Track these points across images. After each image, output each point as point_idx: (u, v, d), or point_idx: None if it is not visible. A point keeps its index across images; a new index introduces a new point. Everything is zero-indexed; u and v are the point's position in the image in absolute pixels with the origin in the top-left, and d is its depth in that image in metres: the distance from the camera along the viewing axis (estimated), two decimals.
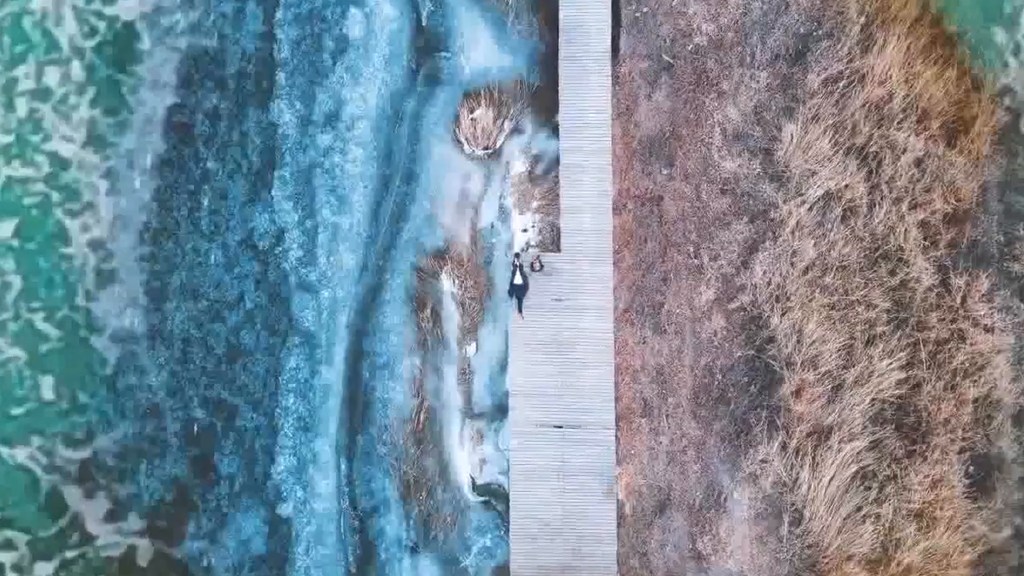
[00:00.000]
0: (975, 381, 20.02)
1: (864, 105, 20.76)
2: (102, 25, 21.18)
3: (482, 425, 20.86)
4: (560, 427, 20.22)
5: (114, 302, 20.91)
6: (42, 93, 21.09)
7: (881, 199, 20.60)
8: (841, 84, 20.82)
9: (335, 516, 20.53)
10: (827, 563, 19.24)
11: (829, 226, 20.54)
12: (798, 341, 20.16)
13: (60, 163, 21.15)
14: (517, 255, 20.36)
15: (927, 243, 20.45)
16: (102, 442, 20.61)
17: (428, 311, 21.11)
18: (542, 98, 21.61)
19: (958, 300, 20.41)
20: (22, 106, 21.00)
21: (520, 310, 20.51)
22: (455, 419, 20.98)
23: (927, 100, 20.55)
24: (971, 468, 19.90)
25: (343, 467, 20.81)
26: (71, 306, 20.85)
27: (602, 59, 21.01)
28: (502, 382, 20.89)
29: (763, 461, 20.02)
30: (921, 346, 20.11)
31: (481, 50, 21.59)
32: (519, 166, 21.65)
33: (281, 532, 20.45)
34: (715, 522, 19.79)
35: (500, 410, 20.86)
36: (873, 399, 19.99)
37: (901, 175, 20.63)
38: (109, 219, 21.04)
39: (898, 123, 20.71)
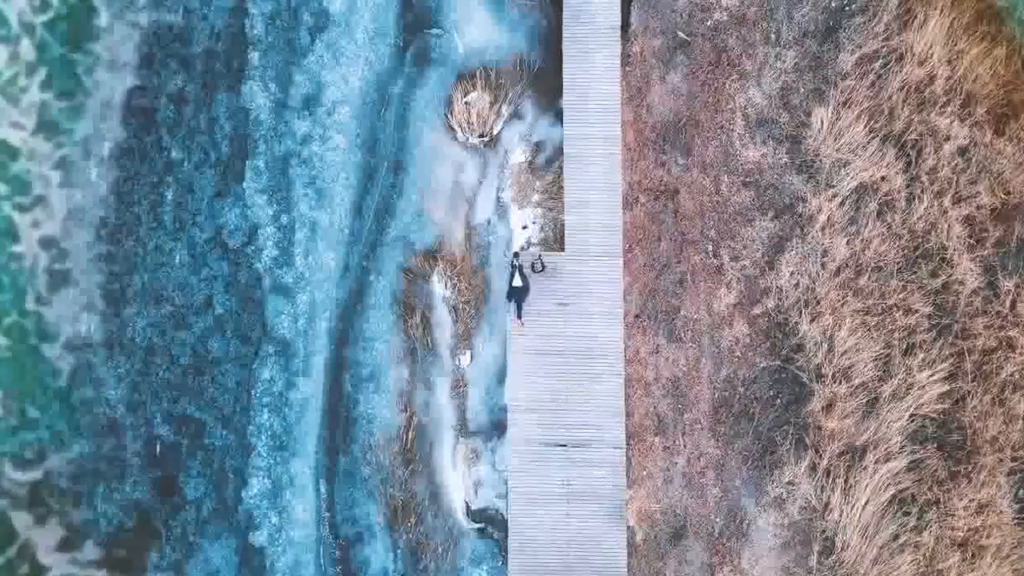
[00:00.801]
0: None
1: (902, 87, 20.59)
2: None
3: (477, 444, 20.69)
4: (564, 446, 19.93)
5: (68, 306, 20.80)
6: None
7: (921, 192, 20.37)
8: (877, 64, 20.72)
9: (314, 545, 20.33)
10: None
11: (863, 222, 20.35)
12: (829, 350, 19.98)
13: (8, 152, 21.03)
14: (516, 254, 20.03)
15: (972, 241, 20.23)
16: (54, 462, 20.45)
17: (417, 317, 20.92)
18: (544, 80, 21.56)
19: (1007, 305, 20.12)
20: None
21: (520, 316, 20.22)
22: (447, 437, 20.80)
23: (972, 82, 20.38)
24: (1021, 491, 19.65)
25: (323, 490, 20.56)
26: (20, 311, 20.75)
27: (611, 36, 20.95)
28: (500, 396, 20.70)
29: (790, 484, 19.85)
30: (966, 356, 19.90)
31: (476, 26, 21.61)
32: (518, 156, 21.57)
33: (254, 563, 20.28)
34: (737, 552, 19.61)
35: (497, 427, 20.67)
36: (912, 415, 19.78)
37: (943, 165, 20.41)
38: (62, 214, 20.93)
39: (940, 107, 20.55)
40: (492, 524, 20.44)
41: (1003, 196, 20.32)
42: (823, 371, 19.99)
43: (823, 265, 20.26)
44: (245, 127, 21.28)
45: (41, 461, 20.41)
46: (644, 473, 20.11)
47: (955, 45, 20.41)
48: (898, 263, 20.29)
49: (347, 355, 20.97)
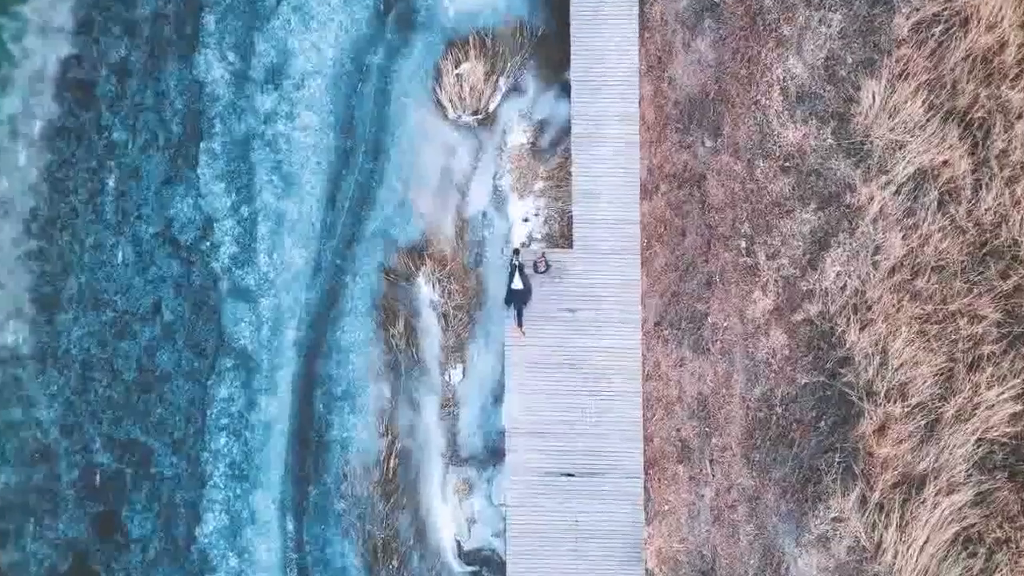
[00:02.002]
0: None
1: (967, 57, 20.53)
2: None
3: (471, 473, 20.78)
4: (572, 475, 20.05)
5: None
6: None
7: (989, 179, 20.34)
8: (937, 30, 20.73)
9: None
10: None
11: (922, 214, 20.32)
12: (882, 364, 19.99)
13: None
14: (516, 252, 20.05)
15: None
16: None
17: (400, 325, 20.95)
18: (549, 48, 21.63)
19: None
20: None
21: (520, 323, 20.18)
22: (436, 465, 20.90)
23: None
24: None
25: (290, 528, 20.73)
26: None
27: None
28: (497, 417, 20.79)
29: (836, 520, 19.83)
30: None
31: None
32: (519, 136, 21.54)
33: None
34: None
35: (494, 454, 20.75)
36: (979, 439, 19.82)
37: (1016, 148, 20.34)
38: None
39: (1012, 80, 20.48)
40: (488, 567, 20.66)
41: None
42: (875, 388, 19.97)
43: (875, 264, 20.25)
44: (199, 103, 21.44)
45: None
46: (665, 507, 20.19)
47: None
48: (962, 262, 20.31)
49: (318, 370, 21.08)
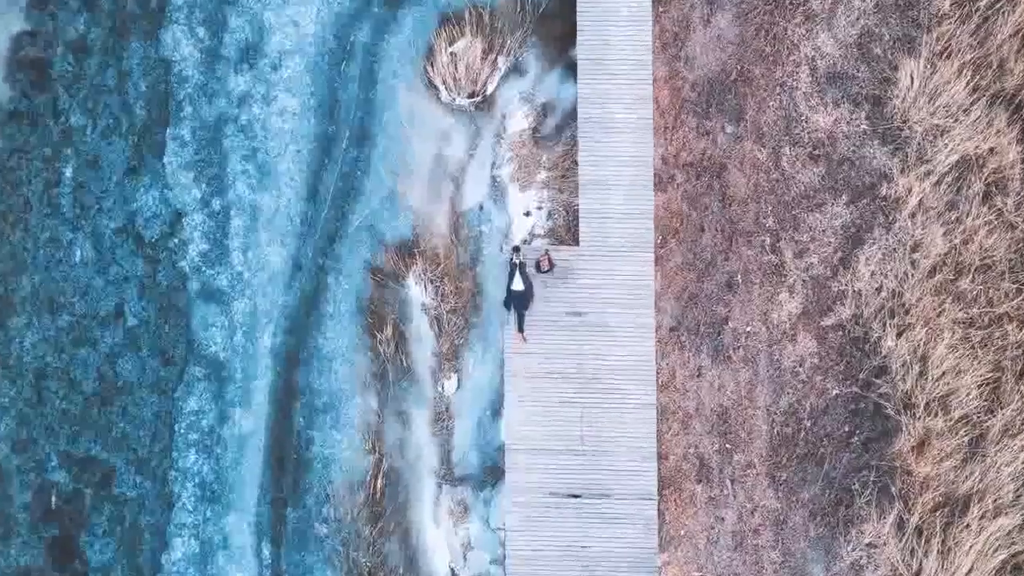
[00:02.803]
0: None
1: (1016, 33, 20.43)
2: None
3: (466, 494, 20.79)
4: (579, 496, 20.06)
5: None
6: None
7: None
8: (983, 3, 20.61)
9: None
10: None
11: (966, 207, 20.29)
12: (921, 373, 19.88)
13: None
14: (516, 249, 20.03)
15: None
16: None
17: (388, 330, 20.93)
18: (552, 23, 21.74)
19: None
20: None
21: (521, 328, 20.22)
22: (427, 486, 20.93)
23: None
24: None
25: (266, 554, 20.73)
26: None
27: None
28: (496, 432, 20.92)
29: (871, 545, 19.73)
30: None
31: None
32: (519, 121, 21.54)
33: None
34: None
35: (492, 473, 20.87)
36: None
37: None
38: None
39: None
40: None
41: None
42: (914, 400, 19.92)
43: (913, 263, 20.22)
44: (166, 84, 21.53)
45: None
46: (682, 532, 20.22)
47: None
48: (1010, 260, 20.35)
49: (298, 380, 21.19)
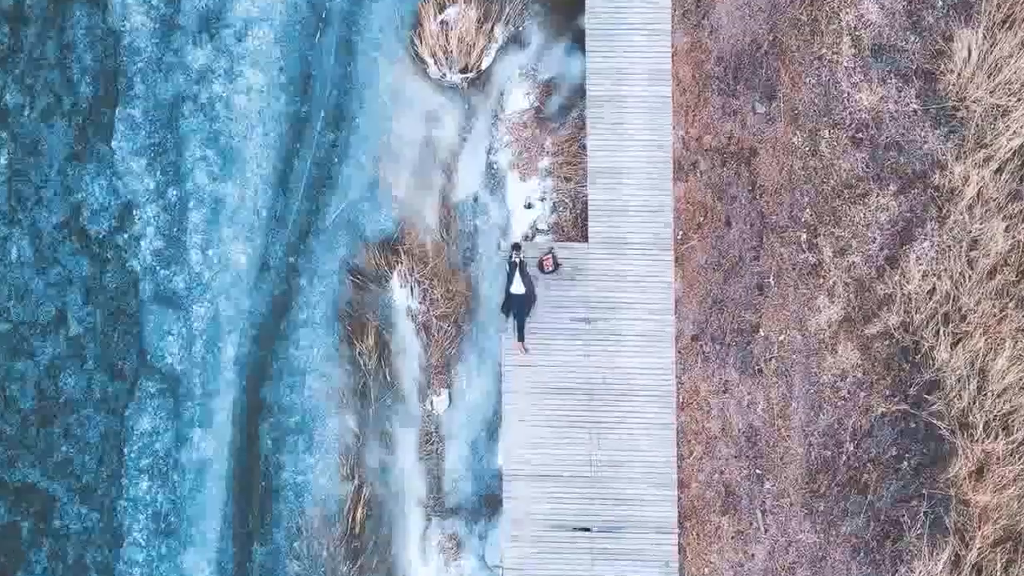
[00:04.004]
0: None
1: None
2: None
3: (458, 528, 20.66)
4: (588, 530, 19.90)
5: None
6: None
7: None
8: None
9: None
10: None
11: None
12: (979, 389, 19.75)
13: None
14: (516, 247, 19.96)
15: None
16: None
17: (370, 339, 20.87)
18: None
19: None
20: None
21: (521, 337, 20.07)
22: (414, 517, 20.79)
23: None
24: None
25: None
26: None
27: None
28: (492, 456, 20.85)
29: None
30: None
31: None
32: (520, 100, 21.48)
33: None
34: None
35: (488, 503, 20.78)
36: None
37: None
38: None
39: None
40: None
41: None
42: (971, 419, 19.77)
43: (970, 262, 20.13)
44: (115, 58, 21.45)
45: None
46: (706, 570, 20.19)
47: None
48: None
49: (266, 396, 21.16)
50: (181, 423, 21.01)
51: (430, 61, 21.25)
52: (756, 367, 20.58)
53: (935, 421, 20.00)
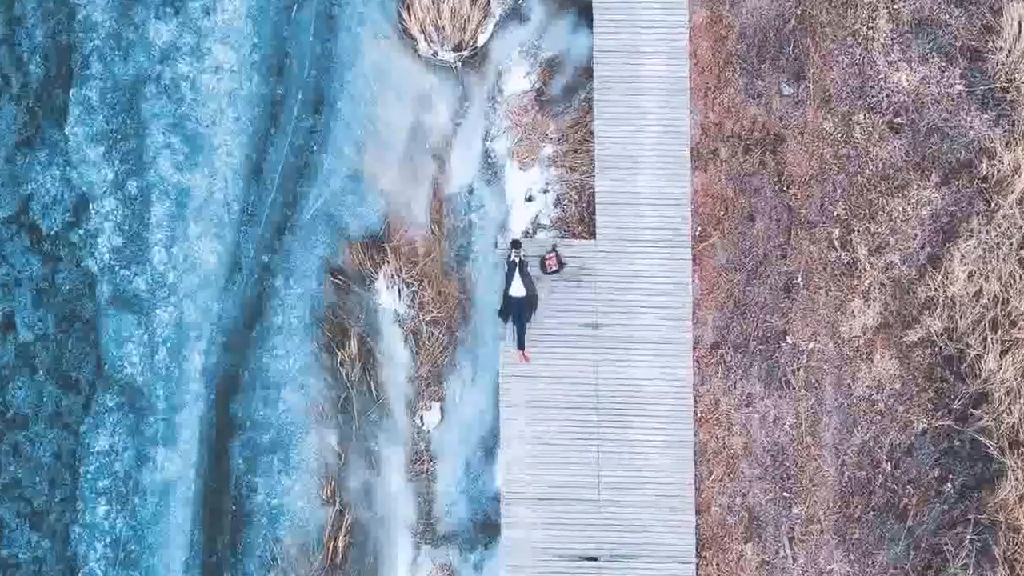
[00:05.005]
0: None
1: None
2: None
3: (451, 556, 20.55)
4: (595, 559, 19.75)
5: None
6: None
7: None
8: None
9: None
10: None
11: None
12: None
13: None
14: (516, 244, 19.95)
15: None
16: None
17: (352, 347, 20.77)
18: None
19: None
20: None
21: (522, 345, 19.99)
22: (403, 545, 20.58)
23: None
24: None
25: None
26: None
27: None
28: (489, 476, 20.66)
29: None
30: None
31: None
32: (519, 81, 21.34)
33: None
34: None
35: (484, 529, 20.59)
36: None
37: None
38: None
39: None
40: None
41: None
42: (1022, 436, 19.73)
43: (1021, 262, 20.08)
44: (69, 34, 21.38)
45: None
46: None
47: None
48: None
49: (237, 411, 20.95)
50: (143, 440, 20.74)
51: (420, 37, 21.08)
52: (783, 378, 20.41)
53: (982, 438, 19.89)
